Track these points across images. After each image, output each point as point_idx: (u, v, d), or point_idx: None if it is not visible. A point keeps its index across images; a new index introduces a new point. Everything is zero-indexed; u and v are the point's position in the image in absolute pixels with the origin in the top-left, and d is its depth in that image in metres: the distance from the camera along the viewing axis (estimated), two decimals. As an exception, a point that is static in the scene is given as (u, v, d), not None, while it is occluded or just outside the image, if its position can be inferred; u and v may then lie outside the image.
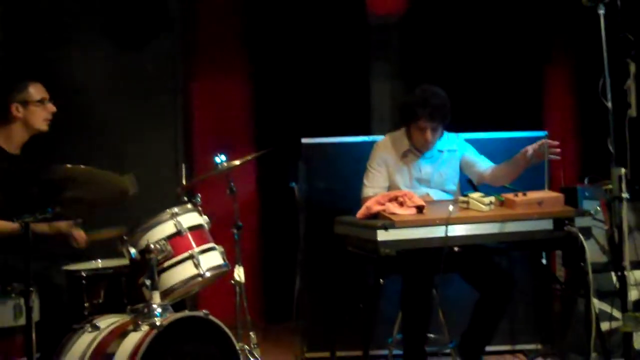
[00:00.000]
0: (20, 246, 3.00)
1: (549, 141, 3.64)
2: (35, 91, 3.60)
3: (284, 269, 4.93)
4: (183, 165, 4.09)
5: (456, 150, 4.00)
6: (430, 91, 3.81)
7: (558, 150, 3.63)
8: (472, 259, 3.70)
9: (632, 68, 4.16)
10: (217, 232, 3.67)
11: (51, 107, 3.63)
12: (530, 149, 3.68)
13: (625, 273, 3.37)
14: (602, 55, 3.56)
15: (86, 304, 3.45)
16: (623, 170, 3.62)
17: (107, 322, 3.27)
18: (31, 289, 3.03)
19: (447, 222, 3.36)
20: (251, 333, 3.80)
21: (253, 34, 5.30)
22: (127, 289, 3.46)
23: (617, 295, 3.33)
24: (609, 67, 3.56)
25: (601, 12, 3.59)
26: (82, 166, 3.22)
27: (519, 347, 4.44)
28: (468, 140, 4.09)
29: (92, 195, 3.29)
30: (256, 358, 3.74)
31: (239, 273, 3.83)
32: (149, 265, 3.29)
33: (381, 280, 3.42)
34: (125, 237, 3.40)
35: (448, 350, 3.87)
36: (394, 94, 5.29)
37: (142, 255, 3.35)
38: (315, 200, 4.44)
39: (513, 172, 3.83)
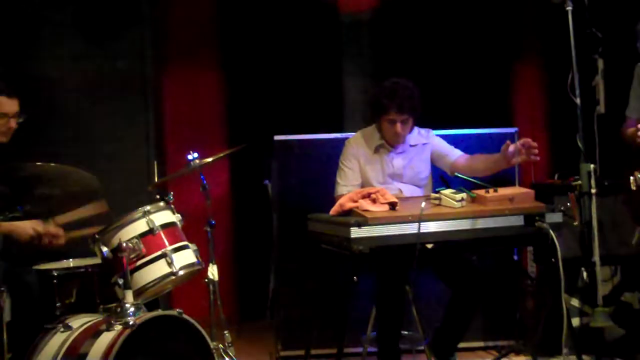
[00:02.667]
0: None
1: (530, 141, 3.65)
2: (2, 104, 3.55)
3: (257, 267, 4.93)
4: (155, 162, 4.06)
5: (427, 143, 4.02)
6: (399, 83, 3.82)
7: (537, 151, 3.65)
8: (444, 256, 3.73)
9: (600, 65, 4.22)
10: (190, 230, 3.66)
11: (13, 123, 3.58)
12: (512, 147, 3.67)
13: (595, 268, 3.42)
14: (571, 51, 3.60)
15: (58, 304, 3.41)
16: (592, 166, 3.67)
17: (79, 322, 3.24)
18: (2, 288, 3.01)
19: (420, 218, 3.38)
20: (225, 332, 3.78)
21: (225, 30, 5.28)
22: (99, 288, 3.44)
23: (588, 291, 3.38)
24: (578, 64, 3.61)
25: (569, 8, 3.63)
26: (52, 164, 3.19)
27: (491, 343, 4.49)
28: (439, 136, 4.11)
29: (62, 192, 3.26)
30: (230, 357, 3.73)
31: (213, 271, 3.80)
32: (121, 264, 3.27)
33: (355, 277, 3.43)
34: (97, 236, 3.37)
35: (422, 347, 3.89)
36: (366, 90, 5.30)
37: (114, 254, 3.32)
38: (288, 198, 4.44)
39: (490, 169, 3.84)
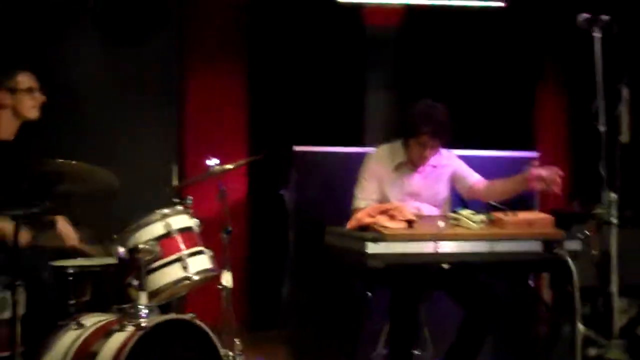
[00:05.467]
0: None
1: (558, 171, 3.63)
2: (24, 80, 3.59)
3: (271, 276, 4.92)
4: (174, 166, 4.06)
5: (448, 165, 4.01)
6: (437, 108, 3.81)
7: (560, 183, 3.62)
8: (460, 277, 3.71)
9: (625, 94, 4.20)
10: (206, 236, 3.66)
11: (40, 97, 3.62)
12: (535, 173, 3.65)
13: (613, 299, 3.39)
14: (596, 78, 3.58)
15: (72, 301, 3.41)
16: (614, 195, 3.65)
17: (92, 321, 3.24)
18: (18, 282, 3.02)
19: (437, 237, 3.37)
20: (236, 339, 3.77)
21: (251, 37, 5.29)
22: (113, 289, 3.44)
23: (604, 321, 3.35)
24: (603, 91, 3.58)
25: (597, 35, 3.61)
26: (73, 162, 3.20)
27: (502, 367, 4.46)
28: (459, 157, 4.10)
29: (82, 190, 3.28)
30: (240, 365, 3.72)
31: (227, 278, 3.80)
32: (137, 266, 3.27)
33: (369, 293, 3.42)
34: (114, 237, 3.37)
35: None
36: (388, 106, 5.30)
37: (130, 255, 3.32)
38: (305, 209, 4.43)
39: (510, 192, 3.83)
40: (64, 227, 3.63)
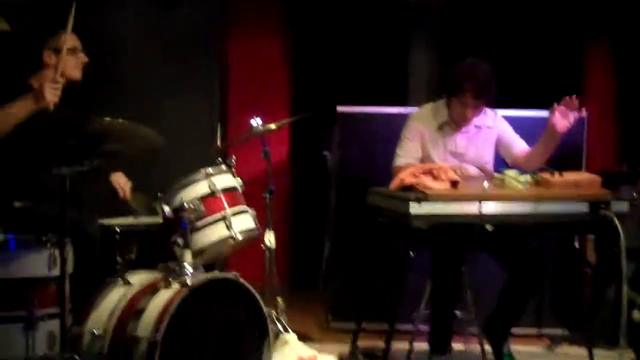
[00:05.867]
0: (56, 195, 3.04)
1: (567, 98, 3.55)
2: (68, 39, 3.60)
3: (313, 236, 4.94)
4: (218, 125, 4.07)
5: (493, 128, 3.93)
6: (481, 66, 3.73)
7: (577, 103, 3.55)
8: (503, 239, 3.66)
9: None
10: (249, 196, 3.68)
11: (83, 57, 3.63)
12: (553, 117, 3.61)
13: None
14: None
15: (119, 259, 3.47)
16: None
17: (138, 278, 3.29)
18: (66, 240, 3.07)
19: (482, 198, 3.33)
20: (279, 298, 3.81)
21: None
22: (159, 247, 3.48)
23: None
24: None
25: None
26: (120, 119, 3.22)
27: (544, 331, 4.42)
28: (504, 118, 4.02)
29: (128, 150, 3.31)
30: (282, 323, 3.76)
31: (270, 238, 3.82)
32: (181, 224, 3.30)
33: (411, 253, 3.41)
34: (159, 195, 3.41)
35: (473, 330, 3.85)
36: (432, 65, 5.23)
37: (175, 214, 3.35)
38: (347, 169, 4.43)
39: (544, 152, 3.75)
40: (119, 179, 3.66)
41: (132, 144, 3.30)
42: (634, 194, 3.75)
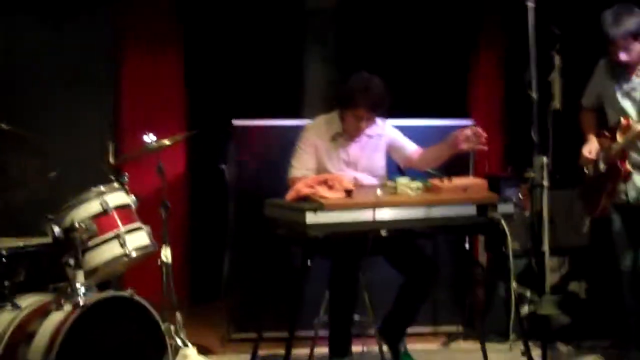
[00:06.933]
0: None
1: (479, 130, 3.71)
2: None
3: (212, 250, 4.91)
4: (111, 143, 4.01)
5: (383, 135, 4.03)
6: (374, 82, 3.81)
7: (485, 141, 3.71)
8: (398, 244, 3.77)
9: (557, 61, 4.30)
10: (145, 212, 3.63)
11: None
12: (460, 135, 3.74)
13: (544, 258, 3.50)
14: (529, 46, 3.66)
15: (6, 283, 3.35)
16: (545, 159, 3.75)
17: (28, 301, 3.21)
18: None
19: (375, 205, 3.41)
20: (177, 313, 3.78)
21: (187, 10, 5.22)
22: (49, 268, 3.39)
23: (536, 280, 3.46)
24: (535, 59, 3.66)
25: (530, 4, 3.68)
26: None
27: (440, 329, 4.55)
28: (394, 127, 4.13)
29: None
30: (181, 338, 3.73)
31: (166, 253, 3.80)
32: (73, 244, 3.24)
33: (308, 262, 3.45)
34: (49, 216, 3.33)
35: (372, 332, 3.93)
36: (326, 78, 5.30)
37: (66, 234, 3.28)
38: (245, 182, 4.43)
39: (439, 158, 3.90)
40: None
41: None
42: (519, 196, 3.92)
